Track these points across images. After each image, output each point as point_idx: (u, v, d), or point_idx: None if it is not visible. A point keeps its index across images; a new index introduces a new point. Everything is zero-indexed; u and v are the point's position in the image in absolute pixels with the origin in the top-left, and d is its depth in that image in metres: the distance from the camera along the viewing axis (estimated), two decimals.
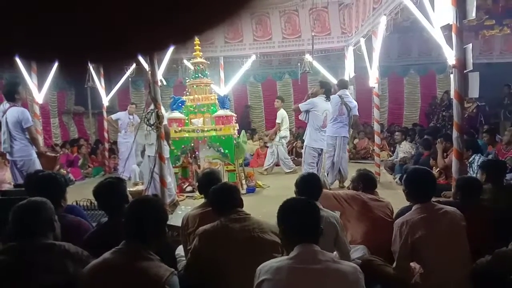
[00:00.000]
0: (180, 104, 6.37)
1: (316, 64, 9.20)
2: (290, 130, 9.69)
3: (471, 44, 3.80)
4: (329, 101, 6.27)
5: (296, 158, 9.02)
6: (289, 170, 8.09)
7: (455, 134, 3.91)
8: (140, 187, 5.42)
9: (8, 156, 5.08)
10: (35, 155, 4.98)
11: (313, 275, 1.70)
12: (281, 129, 8.20)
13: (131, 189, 4.86)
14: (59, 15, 0.52)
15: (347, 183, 5.93)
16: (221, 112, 6.24)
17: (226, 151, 6.12)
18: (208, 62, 7.06)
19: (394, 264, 2.61)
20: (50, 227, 2.03)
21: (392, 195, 4.83)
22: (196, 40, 6.24)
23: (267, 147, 8.82)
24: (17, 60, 0.61)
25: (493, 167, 3.65)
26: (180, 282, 1.86)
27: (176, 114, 6.28)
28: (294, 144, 9.84)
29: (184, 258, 2.86)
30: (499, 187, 3.39)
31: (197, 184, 3.86)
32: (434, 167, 5.74)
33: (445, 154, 5.66)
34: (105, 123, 9.35)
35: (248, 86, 12.69)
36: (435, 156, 5.84)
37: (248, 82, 12.45)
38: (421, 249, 2.45)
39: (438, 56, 8.72)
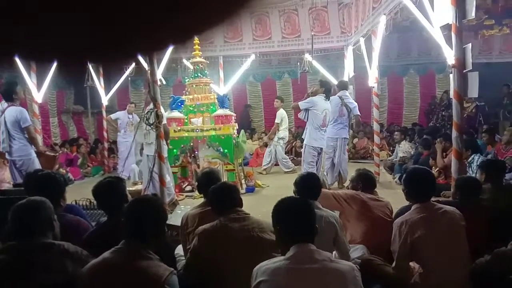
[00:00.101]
0: (179, 104, 6.37)
1: (315, 63, 9.20)
2: (289, 130, 9.69)
3: (470, 44, 3.80)
4: (328, 100, 6.27)
5: (295, 158, 9.02)
6: (287, 170, 8.08)
7: (454, 134, 3.92)
8: (139, 187, 5.42)
9: (7, 156, 5.07)
10: (34, 155, 4.98)
11: (310, 275, 1.69)
12: (280, 129, 8.19)
13: (131, 189, 4.86)
14: (59, 15, 0.52)
15: (346, 183, 5.93)
16: (220, 111, 6.24)
17: (226, 150, 6.12)
18: (208, 62, 7.06)
19: (394, 264, 2.61)
20: (50, 226, 2.03)
21: (392, 194, 4.83)
22: (196, 40, 6.24)
23: (267, 146, 8.83)
24: (17, 59, 0.61)
25: (492, 167, 3.65)
26: (179, 282, 1.86)
27: (176, 114, 6.28)
28: (293, 144, 9.84)
29: (183, 258, 2.86)
30: (499, 187, 3.40)
31: (196, 183, 3.85)
32: (433, 167, 5.75)
33: (444, 154, 5.67)
34: (105, 123, 9.34)
35: (247, 85, 12.69)
36: (435, 155, 5.84)
37: (247, 81, 12.45)
38: (420, 248, 2.46)
39: (438, 56, 8.74)
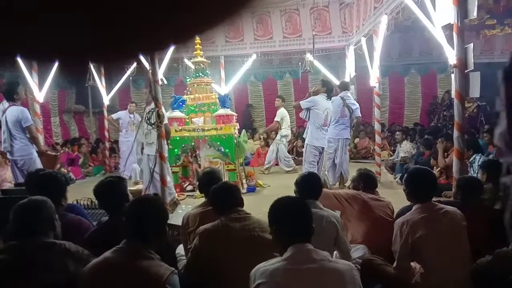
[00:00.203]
0: (180, 103, 6.37)
1: (317, 63, 9.19)
2: (290, 130, 9.69)
3: (472, 44, 3.79)
4: (330, 100, 6.27)
5: (296, 158, 9.02)
6: (289, 169, 8.08)
7: (456, 133, 3.91)
8: (140, 186, 5.43)
9: (8, 155, 5.09)
10: (35, 154, 4.99)
11: (309, 275, 1.68)
12: (282, 127, 8.19)
13: (132, 188, 4.87)
14: (60, 15, 0.52)
15: (347, 183, 5.92)
16: (221, 111, 6.24)
17: (227, 150, 6.12)
18: (209, 61, 7.06)
19: (395, 264, 2.61)
20: (51, 226, 2.03)
21: (393, 194, 4.82)
22: (197, 39, 6.24)
23: (268, 146, 8.83)
24: (18, 59, 0.61)
25: (494, 167, 3.64)
26: (180, 281, 1.86)
27: (177, 113, 6.28)
28: (294, 144, 9.84)
29: (184, 257, 2.86)
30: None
31: (197, 183, 3.86)
32: (435, 167, 5.74)
33: (445, 153, 5.66)
34: (106, 122, 9.35)
35: (248, 85, 12.69)
36: (436, 155, 5.84)
37: (248, 81, 12.45)
38: (421, 248, 2.45)
39: (439, 56, 8.69)
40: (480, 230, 2.59)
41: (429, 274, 2.44)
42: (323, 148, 6.19)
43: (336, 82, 7.58)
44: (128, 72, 9.50)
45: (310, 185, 2.83)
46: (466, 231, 2.50)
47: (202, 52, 6.68)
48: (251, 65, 9.95)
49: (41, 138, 6.04)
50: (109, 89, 9.57)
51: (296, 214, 1.87)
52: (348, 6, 8.82)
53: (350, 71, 8.76)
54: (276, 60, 12.00)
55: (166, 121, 4.75)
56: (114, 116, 8.66)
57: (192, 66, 6.96)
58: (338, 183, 6.41)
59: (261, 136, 10.05)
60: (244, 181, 6.53)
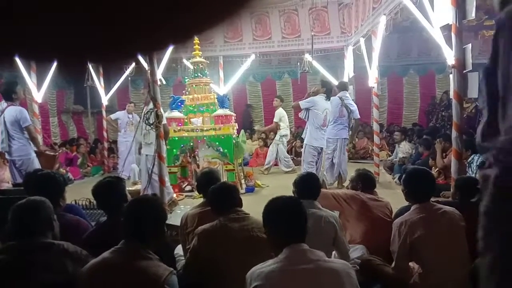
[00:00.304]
0: (179, 104, 6.37)
1: (315, 63, 9.20)
2: (289, 129, 9.69)
3: (470, 44, 3.80)
4: (329, 100, 6.27)
5: (295, 158, 9.02)
6: (288, 170, 8.08)
7: (454, 134, 3.92)
8: (139, 186, 5.43)
9: (6, 156, 5.08)
10: (33, 154, 4.98)
11: (306, 275, 1.68)
12: (281, 127, 8.19)
13: (130, 189, 4.86)
14: (58, 15, 0.52)
15: (346, 183, 5.93)
16: (220, 111, 6.23)
17: (225, 150, 6.12)
18: (208, 62, 7.05)
19: (393, 264, 2.61)
20: (49, 226, 2.03)
21: (391, 195, 4.83)
22: (196, 40, 6.24)
23: (266, 146, 8.83)
24: (17, 59, 0.61)
25: None
26: (179, 282, 1.86)
27: (176, 114, 6.28)
28: (293, 144, 9.84)
29: (183, 258, 2.86)
30: None
31: (196, 183, 3.85)
32: (433, 167, 5.75)
33: (444, 154, 5.67)
34: (104, 122, 9.34)
35: (247, 85, 12.69)
36: (434, 156, 5.84)
37: (247, 81, 12.45)
38: (420, 249, 2.46)
39: (438, 56, 8.73)
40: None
41: (428, 274, 2.44)
42: (322, 148, 6.19)
43: (335, 82, 7.58)
44: (127, 72, 9.48)
45: (308, 185, 2.84)
46: (464, 231, 2.50)
47: (200, 52, 6.69)
48: (249, 65, 9.94)
49: (39, 138, 6.03)
50: (107, 89, 9.56)
51: (291, 214, 1.86)
52: (347, 7, 8.83)
53: (348, 72, 8.76)
54: (275, 60, 12.00)
55: (165, 121, 4.75)
56: (113, 116, 8.65)
57: (191, 66, 6.95)
58: (336, 183, 6.41)
59: (260, 137, 10.04)
60: (242, 181, 6.53)
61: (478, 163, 4.77)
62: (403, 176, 2.89)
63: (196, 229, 2.49)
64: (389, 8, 5.79)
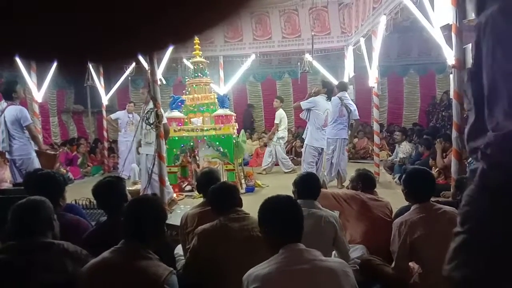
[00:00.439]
0: (179, 103, 6.37)
1: (315, 63, 9.20)
2: (289, 130, 9.69)
3: (470, 44, 3.80)
4: (330, 101, 6.28)
5: (295, 158, 9.02)
6: (288, 170, 8.08)
7: (454, 134, 3.92)
8: (139, 186, 5.42)
9: (7, 155, 5.08)
10: (34, 154, 4.98)
11: (303, 276, 1.67)
12: (279, 129, 8.18)
13: (130, 188, 4.86)
14: (59, 15, 0.52)
15: (346, 183, 5.94)
16: (220, 111, 6.23)
17: (226, 150, 6.12)
18: (208, 61, 7.05)
19: (393, 264, 2.61)
20: (49, 226, 2.03)
21: (391, 195, 4.83)
22: (196, 39, 6.24)
23: (266, 146, 8.82)
24: (17, 59, 0.61)
25: None
26: (179, 281, 1.86)
27: (176, 113, 6.28)
28: (293, 144, 9.84)
29: (183, 257, 2.86)
30: None
31: (196, 183, 3.85)
32: (433, 167, 5.75)
33: (444, 154, 5.66)
34: (105, 122, 9.34)
35: (247, 85, 12.68)
36: (434, 156, 5.84)
37: (247, 81, 12.45)
38: (420, 249, 2.46)
39: (438, 56, 8.71)
40: None
41: (428, 274, 2.44)
42: (322, 149, 6.20)
43: (335, 82, 7.57)
44: (127, 72, 9.48)
45: (308, 185, 2.84)
46: None
47: (201, 52, 6.68)
48: (250, 65, 9.94)
49: (40, 137, 6.03)
50: (107, 89, 9.56)
51: (287, 213, 1.85)
52: (347, 7, 8.83)
53: (349, 72, 8.76)
54: (275, 60, 12.00)
55: (165, 120, 4.76)
56: (113, 116, 8.65)
57: (191, 66, 6.95)
58: (336, 182, 6.42)
59: (261, 137, 10.04)
60: (242, 181, 6.53)
61: None
62: (403, 176, 2.89)
63: (196, 229, 2.49)
64: (389, 8, 5.79)
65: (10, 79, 6.17)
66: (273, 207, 1.90)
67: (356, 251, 3.01)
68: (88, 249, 2.05)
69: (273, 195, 1.99)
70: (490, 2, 1.60)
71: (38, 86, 7.56)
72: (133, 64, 8.66)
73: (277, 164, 8.35)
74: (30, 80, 7.45)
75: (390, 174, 7.44)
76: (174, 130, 6.11)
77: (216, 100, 6.47)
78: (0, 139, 4.95)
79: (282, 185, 5.84)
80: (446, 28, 4.04)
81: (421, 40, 10.49)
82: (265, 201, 1.93)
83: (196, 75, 6.65)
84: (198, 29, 0.62)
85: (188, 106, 6.55)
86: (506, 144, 1.45)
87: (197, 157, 6.63)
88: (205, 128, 6.22)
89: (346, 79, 8.75)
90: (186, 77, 7.21)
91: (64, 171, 7.65)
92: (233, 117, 6.47)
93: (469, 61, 3.74)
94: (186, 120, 6.41)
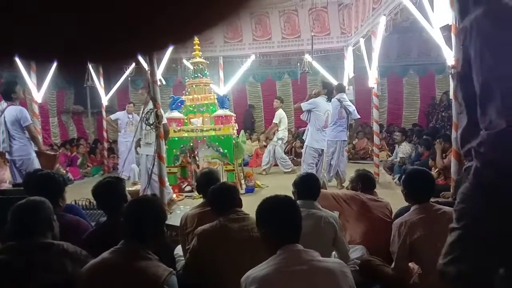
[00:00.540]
0: (179, 104, 6.37)
1: (315, 64, 9.20)
2: (289, 130, 9.68)
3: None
4: (330, 102, 6.29)
5: (295, 158, 9.02)
6: (287, 170, 8.08)
7: (454, 134, 3.92)
8: (139, 187, 5.42)
9: (7, 156, 5.08)
10: (34, 154, 4.98)
11: (301, 276, 1.66)
12: (279, 129, 8.18)
13: (130, 189, 4.86)
14: (58, 15, 0.52)
15: (345, 184, 5.94)
16: (220, 112, 6.23)
17: (225, 151, 6.12)
18: (208, 62, 7.05)
19: (393, 265, 2.61)
20: (49, 226, 2.03)
21: (391, 195, 4.83)
22: (196, 40, 6.24)
23: (266, 146, 8.82)
24: (17, 59, 0.61)
25: None
26: (178, 282, 1.86)
27: (175, 114, 6.28)
28: (293, 144, 9.84)
29: (182, 258, 2.86)
30: None
31: (196, 184, 3.85)
32: (433, 168, 5.75)
33: (444, 154, 5.67)
34: (104, 123, 9.34)
35: (247, 86, 12.69)
36: (434, 156, 5.85)
37: (247, 82, 12.45)
38: (419, 249, 2.46)
39: (438, 57, 8.71)
40: None
41: (427, 275, 2.44)
42: (322, 150, 6.20)
43: (335, 83, 7.57)
44: (127, 72, 9.48)
45: (308, 185, 2.84)
46: None
47: (200, 53, 6.68)
48: (249, 65, 9.94)
49: (39, 138, 6.03)
50: (107, 89, 9.56)
51: (285, 214, 1.84)
52: (347, 7, 8.84)
53: (348, 72, 8.77)
54: (275, 60, 12.00)
55: (165, 120, 4.75)
56: (113, 116, 8.64)
57: (191, 67, 6.95)
58: (336, 183, 6.43)
59: (259, 138, 10.03)
60: (242, 181, 6.53)
61: None
62: (403, 176, 2.89)
63: (195, 229, 2.49)
64: (389, 9, 5.79)
65: (10, 80, 6.17)
66: (271, 207, 1.89)
67: (356, 252, 3.01)
68: (88, 250, 2.05)
69: (271, 195, 1.98)
70: (474, 6, 1.64)
71: (38, 86, 7.55)
72: (133, 65, 8.65)
73: (276, 165, 8.34)
74: (29, 80, 7.44)
75: (390, 174, 7.44)
76: (174, 130, 6.11)
77: (216, 101, 6.47)
78: (0, 139, 4.95)
79: (282, 186, 5.84)
80: (446, 29, 4.05)
81: (420, 40, 10.48)
82: (263, 201, 1.92)
83: (196, 75, 6.65)
84: (197, 30, 0.62)
85: (188, 106, 6.55)
86: (499, 142, 1.49)
87: (197, 158, 6.63)
88: (205, 129, 6.22)
89: (345, 80, 8.77)
90: (186, 78, 7.21)
91: (64, 171, 7.65)
92: (232, 117, 6.47)
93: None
94: (186, 121, 6.41)
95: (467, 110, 1.65)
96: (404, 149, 8.05)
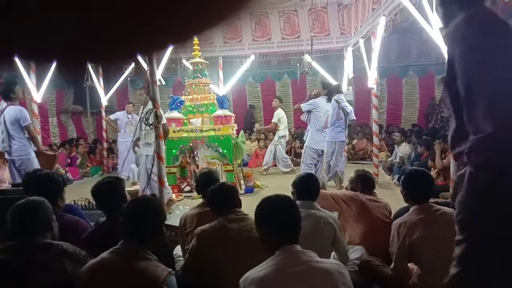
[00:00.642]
0: (178, 104, 6.36)
1: (315, 64, 9.20)
2: (288, 130, 9.68)
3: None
4: (330, 102, 6.29)
5: (294, 159, 9.02)
6: (287, 170, 8.08)
7: None
8: (138, 187, 5.42)
9: (6, 155, 5.07)
10: (33, 154, 4.98)
11: (299, 277, 1.66)
12: (280, 128, 8.19)
13: (130, 189, 4.86)
14: (58, 15, 0.52)
15: (345, 184, 5.95)
16: (219, 112, 6.23)
17: (225, 151, 6.12)
18: (207, 62, 7.05)
19: (392, 265, 2.61)
20: (48, 226, 2.03)
21: (390, 195, 4.83)
22: (195, 40, 6.24)
23: (266, 147, 8.82)
24: (16, 59, 0.61)
25: None
26: (177, 282, 1.86)
27: (175, 114, 6.28)
28: (292, 144, 9.84)
29: (182, 258, 2.86)
30: None
31: (195, 184, 3.85)
32: (432, 168, 5.75)
33: (443, 155, 5.67)
34: (104, 123, 9.34)
35: (247, 86, 12.69)
36: (433, 157, 5.85)
37: (247, 82, 12.45)
38: (419, 250, 2.46)
39: (437, 57, 8.74)
40: None
41: (427, 275, 2.44)
42: (322, 151, 6.20)
43: (334, 83, 7.58)
44: (126, 72, 9.48)
45: (308, 186, 2.84)
46: None
47: (200, 53, 6.68)
48: (249, 66, 9.94)
49: (39, 138, 6.03)
50: (107, 89, 9.56)
51: (284, 214, 1.82)
52: (346, 8, 8.84)
53: (348, 73, 8.77)
54: (275, 61, 12.01)
55: (164, 120, 4.75)
56: (112, 116, 8.64)
57: (190, 67, 6.95)
58: (336, 184, 6.44)
59: (258, 137, 10.03)
60: (242, 182, 6.53)
61: None
62: (402, 177, 2.89)
63: (195, 229, 2.49)
64: (388, 9, 5.79)
65: (9, 80, 6.17)
66: (270, 207, 1.88)
67: (355, 252, 3.01)
68: (87, 250, 2.05)
69: (271, 194, 1.96)
70: (457, 12, 1.66)
71: (37, 86, 7.55)
72: (133, 65, 8.65)
73: (275, 165, 8.34)
74: (29, 80, 7.44)
75: (389, 175, 7.44)
76: (173, 130, 6.11)
77: (215, 101, 6.47)
78: (0, 139, 4.95)
79: (281, 186, 5.84)
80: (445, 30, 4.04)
81: (420, 41, 10.48)
82: (262, 201, 1.91)
83: (196, 75, 6.65)
84: (197, 30, 0.62)
85: (188, 106, 6.55)
86: (488, 146, 1.51)
87: (196, 158, 6.63)
88: (204, 129, 6.22)
89: (345, 80, 8.77)
90: (186, 78, 7.20)
91: (63, 171, 7.64)
92: (232, 117, 6.47)
93: None
94: (185, 121, 6.41)
95: (455, 114, 1.67)
96: (403, 150, 8.05)
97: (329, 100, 6.27)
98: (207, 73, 6.84)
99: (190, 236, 2.64)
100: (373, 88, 7.08)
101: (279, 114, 8.13)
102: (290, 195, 2.66)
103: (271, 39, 9.39)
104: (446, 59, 1.72)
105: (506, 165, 1.50)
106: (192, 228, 2.70)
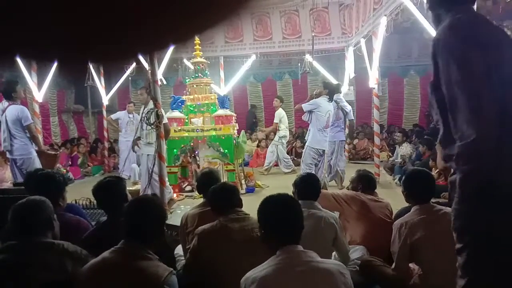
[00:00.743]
0: (180, 104, 6.37)
1: (316, 64, 9.20)
2: (289, 130, 9.68)
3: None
4: (331, 102, 6.29)
5: (295, 158, 9.02)
6: (288, 170, 8.08)
7: None
8: (139, 186, 5.42)
9: (8, 155, 5.08)
10: (34, 154, 4.99)
11: (300, 277, 1.66)
12: (280, 128, 8.19)
13: (131, 188, 4.87)
14: (59, 15, 0.52)
15: (346, 183, 5.95)
16: (220, 111, 6.24)
17: (226, 150, 6.12)
18: (208, 62, 7.05)
19: (393, 265, 2.61)
20: (49, 226, 2.03)
21: (392, 195, 4.83)
22: (196, 40, 6.24)
23: (267, 147, 8.82)
24: (18, 59, 0.61)
25: None
26: (179, 282, 1.86)
27: (176, 114, 6.28)
28: (293, 144, 9.84)
29: (183, 258, 2.86)
30: None
31: (196, 183, 3.85)
32: (433, 168, 5.74)
33: None
34: (105, 122, 9.35)
35: (248, 86, 12.69)
36: (435, 157, 5.83)
37: (248, 82, 12.45)
38: (420, 250, 2.45)
39: None
40: None
41: (428, 276, 2.44)
42: (323, 151, 6.20)
43: (335, 83, 7.58)
44: (128, 72, 9.49)
45: (308, 186, 2.83)
46: None
47: (201, 53, 6.68)
48: (250, 65, 9.94)
49: (40, 137, 6.04)
50: (108, 89, 9.57)
51: (286, 214, 1.82)
52: (348, 7, 8.83)
53: (349, 72, 8.76)
54: (276, 61, 12.00)
55: (165, 120, 4.75)
56: (113, 116, 8.66)
57: (192, 67, 6.96)
58: (337, 184, 6.44)
59: (258, 138, 10.04)
60: (243, 181, 6.53)
61: None
62: (403, 177, 2.89)
63: (196, 229, 2.49)
64: (389, 9, 5.79)
65: (11, 79, 6.17)
66: (273, 206, 1.87)
67: (356, 252, 3.01)
68: (88, 249, 2.05)
69: (274, 193, 1.95)
70: (445, 15, 1.68)
71: (38, 86, 7.57)
72: (134, 64, 8.66)
73: (276, 165, 8.34)
74: (30, 80, 7.45)
75: (391, 175, 7.44)
76: (175, 130, 6.11)
77: (216, 101, 6.47)
78: (1, 138, 4.96)
79: (282, 186, 5.84)
80: None
81: (421, 41, 10.46)
82: (265, 200, 1.90)
83: (197, 75, 6.65)
84: (198, 29, 0.62)
85: (189, 106, 6.55)
86: (474, 152, 1.53)
87: (197, 158, 6.63)
88: (206, 129, 6.22)
89: (346, 80, 8.77)
90: (187, 78, 7.21)
91: (64, 171, 7.65)
92: (233, 117, 6.47)
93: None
94: (187, 121, 6.41)
95: (442, 119, 1.68)
96: (404, 150, 8.05)
97: (330, 100, 6.27)
98: (208, 73, 6.84)
99: (191, 235, 2.64)
100: (374, 88, 7.08)
101: (280, 114, 8.13)
102: (291, 194, 2.66)
103: (272, 39, 9.39)
104: (433, 64, 1.74)
105: (493, 169, 1.52)
106: (193, 227, 2.70)
